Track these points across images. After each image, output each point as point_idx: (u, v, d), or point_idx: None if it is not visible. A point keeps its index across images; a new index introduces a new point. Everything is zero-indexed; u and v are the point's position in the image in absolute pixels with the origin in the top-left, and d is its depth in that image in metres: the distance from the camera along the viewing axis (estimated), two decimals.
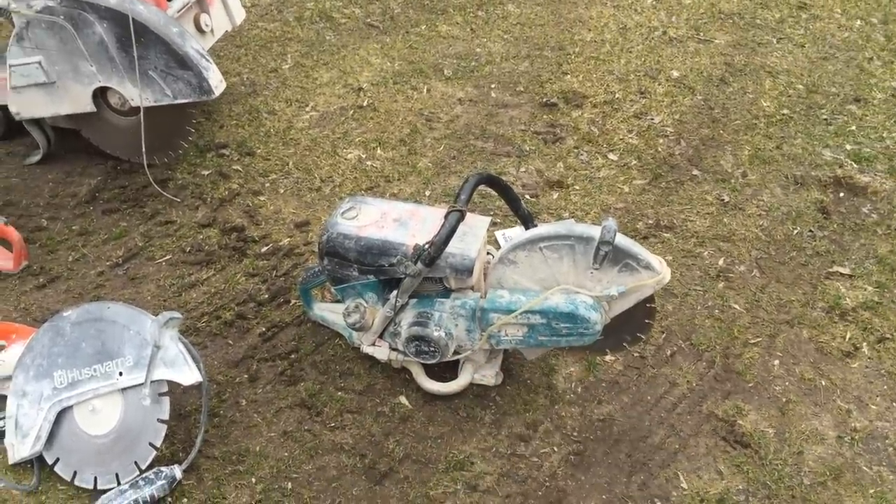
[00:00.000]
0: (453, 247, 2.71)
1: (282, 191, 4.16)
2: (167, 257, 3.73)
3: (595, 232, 2.59)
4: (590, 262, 2.65)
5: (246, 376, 3.17)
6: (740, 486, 2.83)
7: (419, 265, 2.69)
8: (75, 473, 2.72)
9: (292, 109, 4.81)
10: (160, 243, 3.81)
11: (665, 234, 3.92)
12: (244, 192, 4.13)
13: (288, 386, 3.14)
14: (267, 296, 3.52)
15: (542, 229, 2.70)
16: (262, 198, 4.10)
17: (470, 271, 2.74)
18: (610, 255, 2.61)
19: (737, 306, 3.54)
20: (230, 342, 3.31)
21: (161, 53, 3.74)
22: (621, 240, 2.59)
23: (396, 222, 2.86)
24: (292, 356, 3.25)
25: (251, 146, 4.46)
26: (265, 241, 3.82)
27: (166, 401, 2.72)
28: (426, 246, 2.67)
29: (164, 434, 2.72)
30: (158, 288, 3.56)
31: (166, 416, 2.71)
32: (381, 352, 3.07)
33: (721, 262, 3.77)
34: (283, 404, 3.07)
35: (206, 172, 4.26)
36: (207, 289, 3.56)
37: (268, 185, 4.20)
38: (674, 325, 3.44)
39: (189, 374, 2.69)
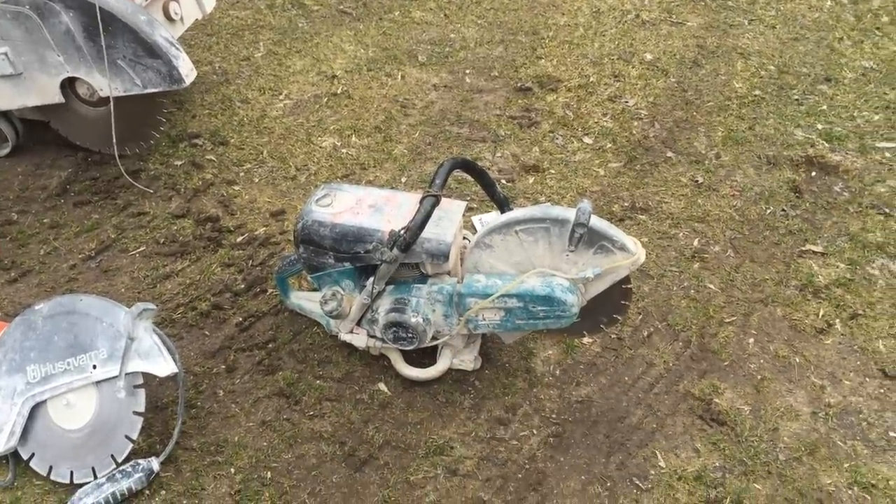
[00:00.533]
0: (429, 232, 2.70)
1: (256, 180, 4.13)
2: (141, 249, 3.70)
3: (570, 214, 2.59)
4: (565, 245, 2.65)
5: (223, 367, 3.15)
6: (717, 464, 2.85)
7: (395, 251, 2.68)
8: (51, 468, 2.70)
9: (266, 98, 4.77)
10: (133, 235, 3.77)
11: (640, 216, 3.93)
12: (218, 181, 4.10)
13: (266, 375, 3.12)
14: (243, 286, 3.49)
15: (517, 213, 2.70)
16: (236, 187, 4.07)
17: (446, 256, 2.73)
18: (585, 238, 2.61)
19: (712, 286, 3.56)
20: (206, 333, 3.29)
21: (129, 42, 3.69)
22: (596, 222, 2.60)
23: (372, 208, 2.84)
24: (270, 346, 3.24)
25: (224, 135, 4.42)
26: (240, 231, 3.79)
27: (142, 393, 2.70)
28: (401, 232, 2.66)
29: (140, 426, 2.70)
30: (132, 280, 3.52)
31: (142, 409, 2.69)
32: (359, 339, 3.06)
33: (696, 242, 3.79)
34: (261, 394, 3.06)
35: (178, 163, 4.22)
36: (182, 280, 3.53)
37: (242, 174, 4.16)
38: (650, 306, 3.46)
39: (164, 366, 2.66)
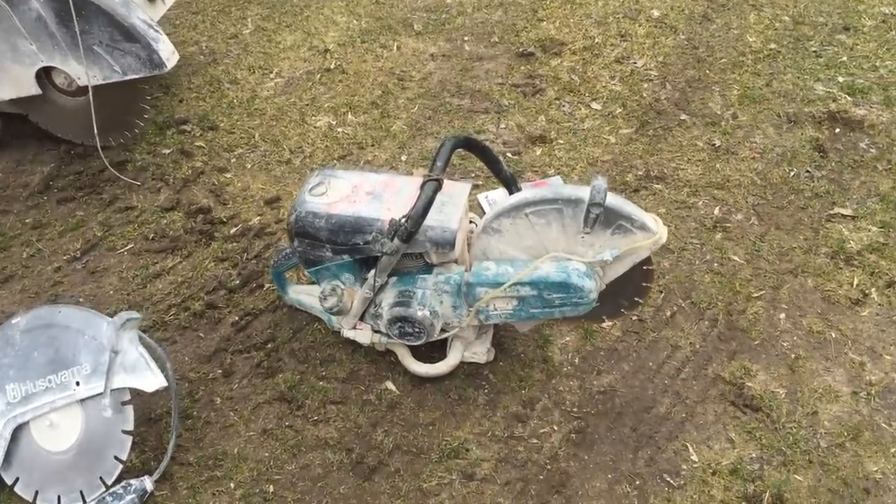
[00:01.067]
0: (432, 219, 2.50)
1: (249, 166, 3.90)
2: (129, 246, 3.48)
3: (584, 193, 2.39)
4: (580, 226, 2.45)
5: (220, 371, 2.95)
6: (753, 454, 2.66)
7: (396, 242, 2.48)
8: (37, 493, 2.50)
9: (256, 77, 4.53)
10: (121, 232, 3.55)
11: (656, 186, 3.70)
12: (208, 169, 3.88)
13: (265, 379, 2.92)
14: (238, 281, 3.29)
15: (526, 193, 2.50)
16: (228, 175, 3.85)
17: (451, 244, 2.53)
18: (601, 218, 2.41)
19: (736, 258, 3.35)
20: (201, 335, 3.09)
21: (105, 26, 3.46)
22: (613, 200, 2.40)
23: (369, 195, 2.63)
24: (269, 346, 3.04)
25: (214, 120, 4.19)
26: (234, 222, 3.58)
27: (130, 410, 2.49)
28: (402, 220, 2.45)
29: (129, 446, 2.49)
30: (121, 281, 3.32)
31: (131, 427, 2.49)
32: (364, 335, 2.86)
33: (716, 211, 3.57)
34: (261, 399, 2.86)
35: (166, 151, 3.99)
36: (174, 278, 3.32)
37: (234, 160, 3.94)
38: (672, 283, 3.25)
39: (152, 380, 2.46)
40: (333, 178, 2.73)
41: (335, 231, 2.58)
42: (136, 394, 2.55)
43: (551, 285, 2.51)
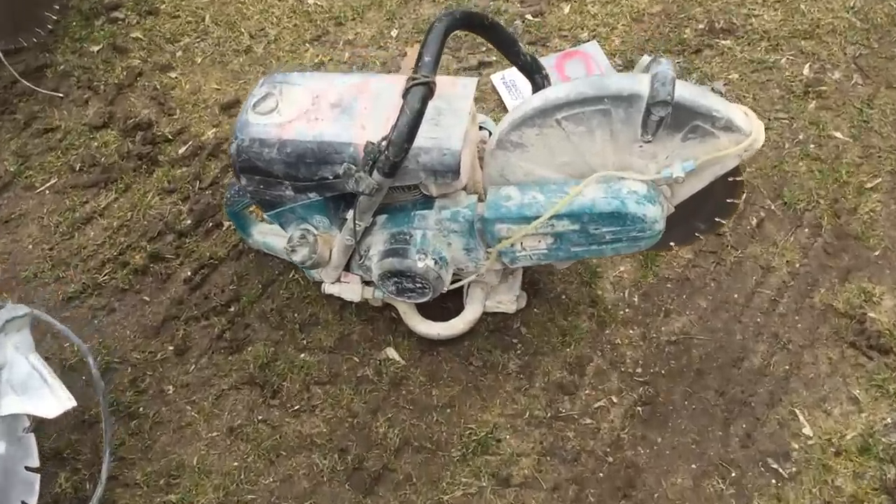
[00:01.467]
0: (425, 138, 1.78)
1: (199, 60, 3.09)
2: (51, 182, 2.74)
3: (640, 86, 1.67)
4: (636, 133, 1.75)
5: (171, 348, 2.29)
6: (889, 419, 1.99)
7: (375, 176, 1.75)
8: None
9: None
10: (40, 163, 2.79)
11: (723, 42, 2.88)
12: (148, 69, 3.07)
13: (230, 355, 2.26)
14: (190, 221, 2.56)
15: (558, 90, 1.74)
16: (173, 74, 3.04)
17: (455, 171, 1.80)
18: (668, 119, 1.67)
19: (838, 134, 2.61)
20: (145, 298, 2.41)
21: None
22: (683, 91, 1.66)
23: (336, 109, 1.91)
24: (232, 309, 2.35)
25: (152, 1, 3.32)
26: (182, 138, 2.81)
27: (31, 441, 1.85)
28: (382, 145, 1.69)
29: (38, 485, 1.86)
30: (42, 230, 2.60)
31: (36, 462, 1.85)
32: (351, 290, 2.17)
33: (806, 70, 2.81)
34: (224, 385, 2.21)
35: (95, 49, 3.17)
36: (108, 222, 2.59)
37: (179, 54, 3.12)
38: (755, 177, 2.49)
39: (51, 403, 1.76)
40: (286, 85, 1.99)
41: (293, 164, 1.88)
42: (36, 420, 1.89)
43: (599, 217, 1.82)
